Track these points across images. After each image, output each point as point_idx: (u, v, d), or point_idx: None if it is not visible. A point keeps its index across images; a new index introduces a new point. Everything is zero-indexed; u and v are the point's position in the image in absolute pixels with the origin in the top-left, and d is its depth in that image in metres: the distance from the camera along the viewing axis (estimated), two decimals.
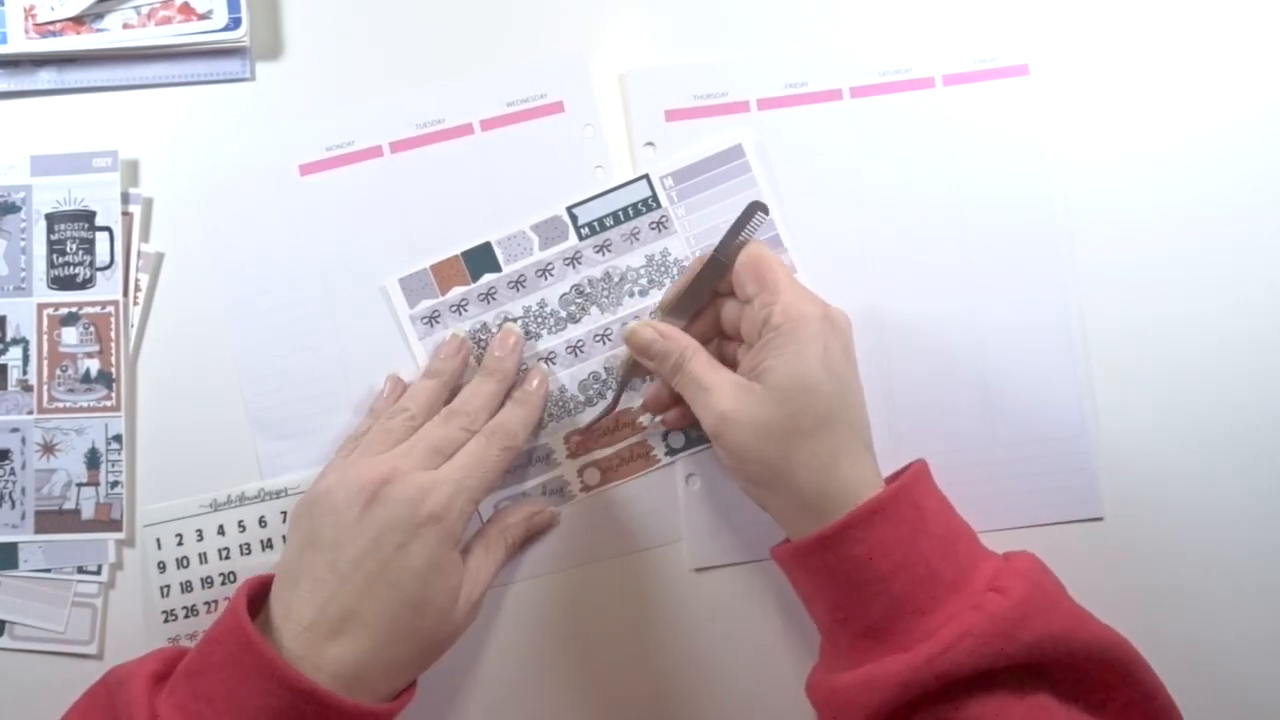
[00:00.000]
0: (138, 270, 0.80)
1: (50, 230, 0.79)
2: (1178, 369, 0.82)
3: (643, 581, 0.81)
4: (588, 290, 0.81)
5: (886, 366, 0.81)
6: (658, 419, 0.81)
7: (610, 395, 0.80)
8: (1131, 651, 0.69)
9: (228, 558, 0.80)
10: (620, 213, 0.81)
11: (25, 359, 0.79)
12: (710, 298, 0.77)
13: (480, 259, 0.81)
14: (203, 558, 0.79)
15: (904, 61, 0.82)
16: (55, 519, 0.79)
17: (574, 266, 0.81)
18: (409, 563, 0.69)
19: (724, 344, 0.79)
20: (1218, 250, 0.82)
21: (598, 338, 0.81)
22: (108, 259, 0.80)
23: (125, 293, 0.80)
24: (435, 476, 0.71)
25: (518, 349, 0.79)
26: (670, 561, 0.81)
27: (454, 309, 0.80)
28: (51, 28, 0.79)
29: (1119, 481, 0.81)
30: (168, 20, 0.79)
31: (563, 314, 0.81)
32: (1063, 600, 0.70)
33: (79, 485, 0.79)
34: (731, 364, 0.75)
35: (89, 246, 0.79)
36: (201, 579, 0.79)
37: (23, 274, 0.80)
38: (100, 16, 0.79)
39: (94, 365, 0.79)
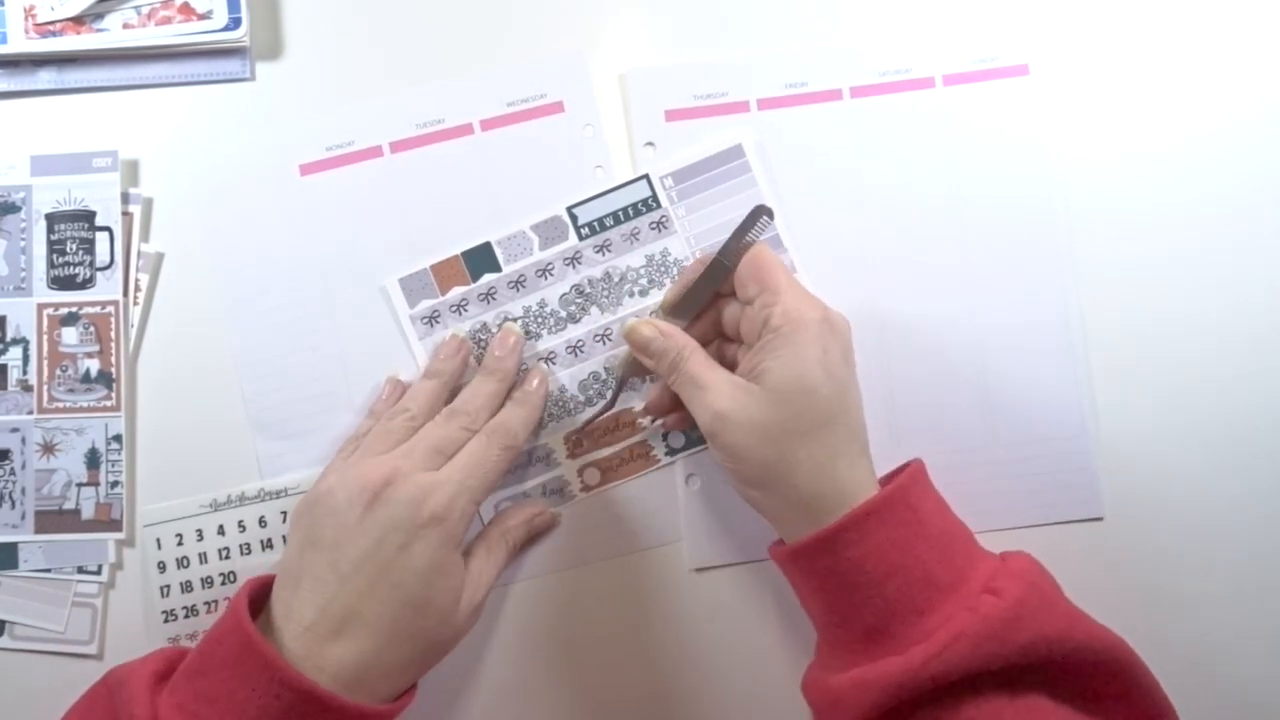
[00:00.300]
0: (138, 270, 0.80)
1: (50, 230, 0.79)
2: (1178, 369, 0.82)
3: (643, 581, 0.81)
4: (588, 290, 0.81)
5: (886, 366, 0.81)
6: (658, 422, 0.81)
7: (609, 394, 0.80)
8: (1127, 652, 0.69)
9: (228, 558, 0.80)
10: (620, 213, 0.81)
11: (25, 359, 0.79)
12: (712, 299, 0.77)
13: (480, 259, 0.81)
14: (203, 558, 0.79)
15: (904, 61, 0.82)
16: (55, 519, 0.79)
17: (574, 266, 0.81)
18: (411, 563, 0.69)
19: (724, 345, 0.79)
20: (1218, 250, 0.82)
21: (598, 338, 0.81)
22: (108, 259, 0.80)
23: (125, 293, 0.80)
24: (436, 477, 0.71)
25: (518, 348, 0.79)
26: (670, 561, 0.81)
27: (454, 309, 0.80)
28: (51, 28, 0.79)
29: (1119, 481, 0.81)
30: (168, 20, 0.79)
31: (563, 314, 0.81)
32: (1059, 601, 0.70)
33: (79, 485, 0.79)
34: (732, 366, 0.75)
35: (89, 246, 0.79)
36: (201, 579, 0.79)
37: (23, 274, 0.80)
38: (100, 16, 0.79)
39: (94, 365, 0.79)
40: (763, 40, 0.83)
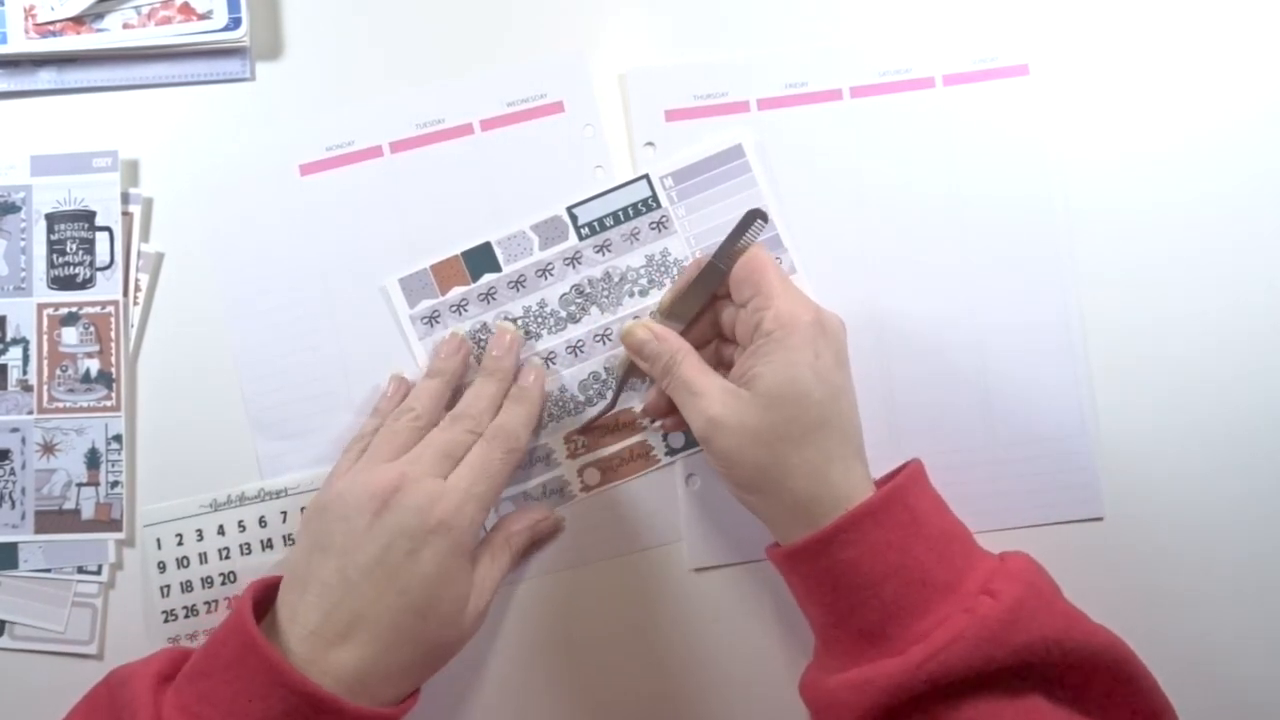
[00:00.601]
0: (138, 270, 0.80)
1: (50, 230, 0.79)
2: (1178, 369, 0.82)
3: (643, 581, 0.81)
4: (588, 290, 0.81)
5: (886, 366, 0.81)
6: (657, 423, 0.81)
7: (610, 394, 0.80)
8: (1126, 651, 0.69)
9: (228, 557, 0.80)
10: (620, 213, 0.81)
11: (25, 359, 0.79)
12: (709, 301, 0.77)
13: (480, 259, 0.81)
14: (203, 558, 0.79)
15: (904, 61, 0.82)
16: (55, 519, 0.79)
17: (574, 266, 0.81)
18: (418, 570, 0.69)
19: (723, 347, 0.79)
20: (1218, 250, 0.82)
21: (598, 338, 0.81)
22: (108, 259, 0.80)
23: (125, 293, 0.80)
24: (444, 485, 0.71)
25: (515, 347, 0.79)
26: (670, 561, 0.81)
27: (454, 309, 0.80)
28: (51, 28, 0.79)
29: (1119, 481, 0.81)
30: (168, 20, 0.79)
31: (563, 314, 0.81)
32: (1056, 601, 0.70)
33: (79, 485, 0.79)
34: (730, 367, 0.75)
35: (89, 246, 0.79)
36: (202, 579, 0.79)
37: (23, 274, 0.80)
38: (100, 16, 0.79)
39: (94, 365, 0.79)
40: (763, 40, 0.83)
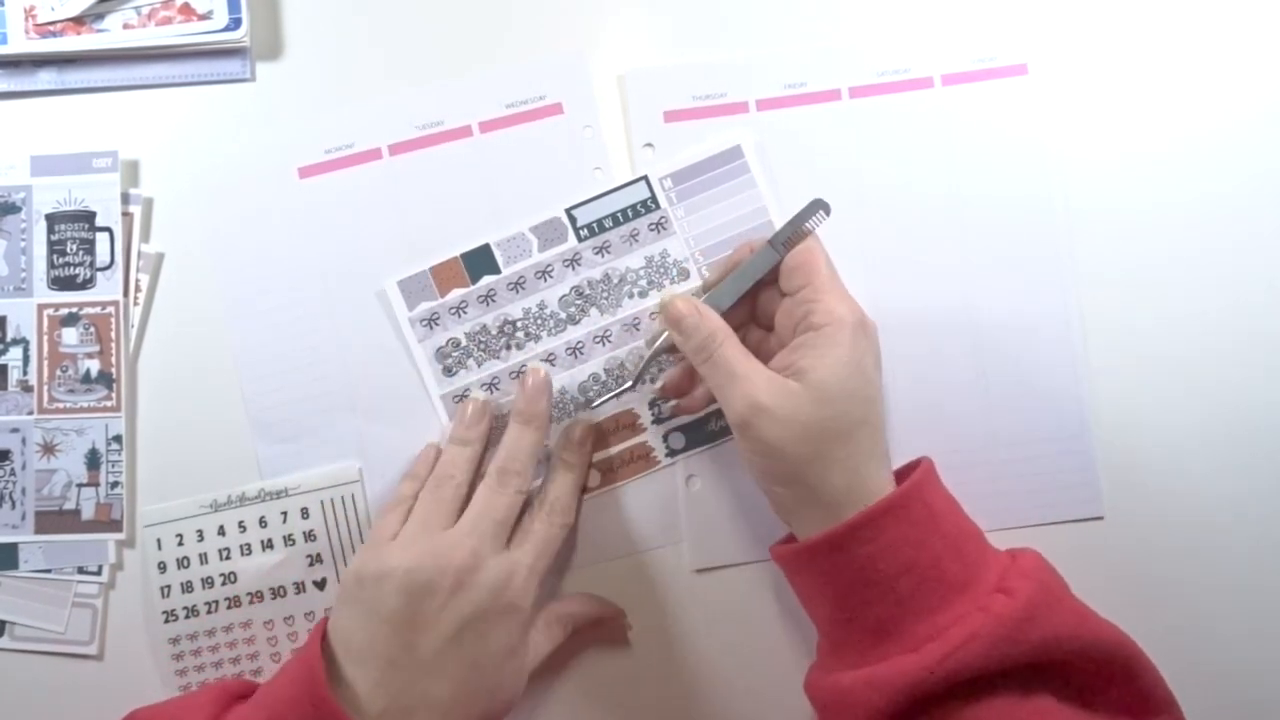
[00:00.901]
0: (138, 270, 0.80)
1: (50, 230, 0.79)
2: (1178, 368, 0.82)
3: (643, 583, 0.81)
4: (587, 292, 0.81)
5: (887, 366, 0.80)
6: (670, 403, 0.81)
7: (636, 372, 0.79)
8: (1133, 648, 0.69)
9: (228, 558, 0.80)
10: (619, 214, 0.81)
11: (25, 359, 0.80)
12: (753, 286, 0.77)
13: (479, 261, 0.81)
14: (203, 558, 0.80)
15: (903, 61, 0.82)
16: (55, 519, 0.79)
17: (573, 268, 0.81)
18: (490, 648, 0.70)
19: (750, 331, 0.79)
20: (1218, 250, 0.82)
21: (597, 339, 0.81)
22: (108, 259, 0.80)
23: (125, 293, 0.80)
24: (512, 561, 0.73)
25: (546, 389, 0.78)
26: (671, 563, 0.81)
27: (453, 311, 0.80)
28: (51, 28, 0.79)
29: (1119, 481, 0.81)
30: (168, 20, 0.79)
31: (562, 315, 0.81)
32: (1066, 598, 0.71)
33: (79, 485, 0.79)
34: (757, 352, 0.75)
35: (89, 247, 0.79)
36: (202, 579, 0.79)
37: (23, 274, 0.80)
38: (100, 17, 0.79)
39: (94, 365, 0.80)
40: (761, 40, 0.82)
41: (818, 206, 0.76)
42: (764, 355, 0.74)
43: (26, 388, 0.80)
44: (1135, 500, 0.82)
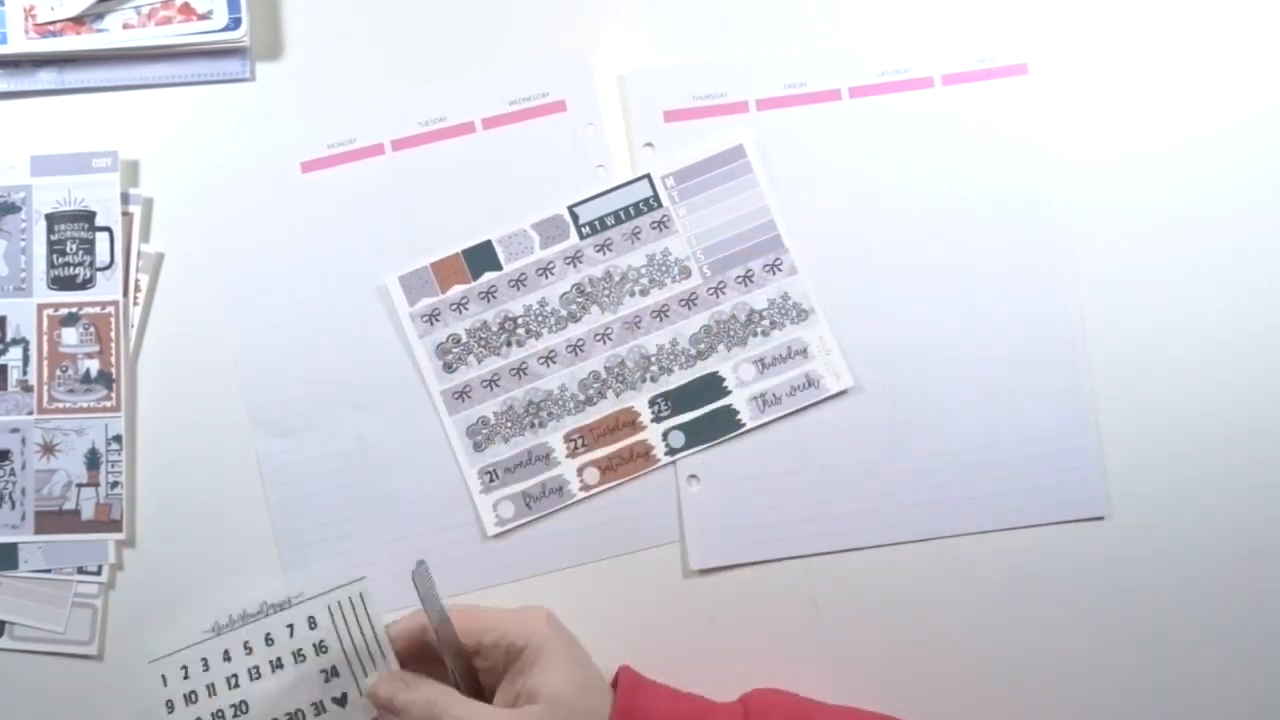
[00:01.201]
0: (138, 270, 0.80)
1: (50, 230, 0.79)
2: (1178, 368, 0.82)
3: (643, 582, 0.81)
4: (588, 289, 0.81)
5: (886, 366, 0.81)
6: None
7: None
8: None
9: (237, 685, 0.77)
10: (621, 212, 0.81)
11: (25, 359, 0.79)
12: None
13: (481, 257, 0.81)
14: (211, 689, 0.77)
15: (903, 61, 0.82)
16: (55, 519, 0.79)
17: (575, 265, 0.81)
18: None
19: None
20: (1218, 249, 0.82)
21: (598, 337, 0.81)
22: (108, 259, 0.80)
23: (125, 293, 0.80)
24: None
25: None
26: (670, 562, 0.81)
27: (454, 307, 0.80)
28: (51, 28, 0.79)
29: (1120, 481, 0.81)
30: (168, 20, 0.79)
31: (563, 313, 0.81)
32: (809, 712, 0.75)
33: (79, 485, 0.79)
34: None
35: (89, 246, 0.79)
36: (213, 713, 0.77)
37: (23, 274, 0.80)
38: (100, 16, 0.79)
39: (94, 365, 0.79)
40: (762, 40, 0.83)
41: (420, 570, 0.72)
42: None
43: (26, 388, 0.79)
44: (1136, 500, 0.81)
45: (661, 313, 0.81)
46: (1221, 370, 0.82)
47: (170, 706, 0.77)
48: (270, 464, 0.80)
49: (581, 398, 0.81)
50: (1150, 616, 0.81)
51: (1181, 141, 0.83)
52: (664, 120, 0.82)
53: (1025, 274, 0.82)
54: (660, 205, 0.81)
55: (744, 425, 0.81)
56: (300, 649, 0.77)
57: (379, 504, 0.81)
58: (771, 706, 0.73)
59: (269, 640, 0.77)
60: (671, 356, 0.81)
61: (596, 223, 0.81)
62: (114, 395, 0.79)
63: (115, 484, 0.79)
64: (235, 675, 0.77)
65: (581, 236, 0.81)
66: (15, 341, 0.79)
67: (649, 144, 0.82)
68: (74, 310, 0.79)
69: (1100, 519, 0.81)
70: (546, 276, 0.81)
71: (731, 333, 0.81)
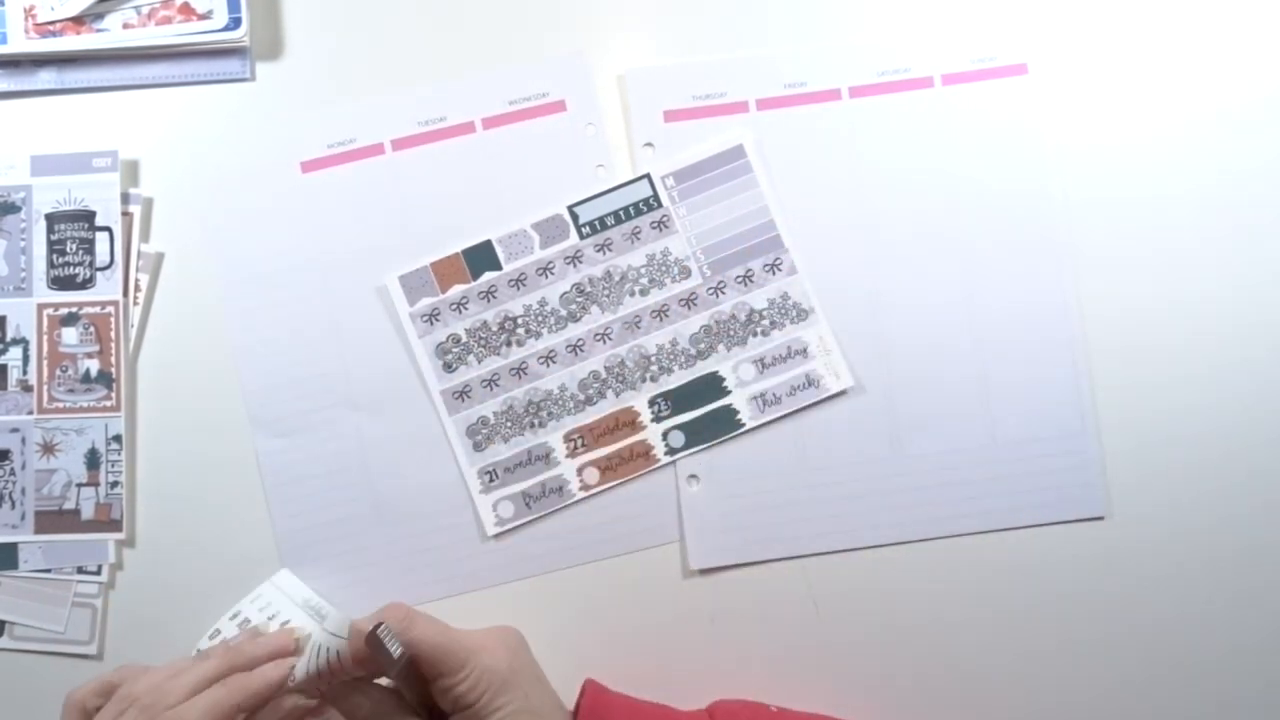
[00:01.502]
0: (138, 270, 0.80)
1: (50, 230, 0.79)
2: (1179, 368, 0.82)
3: (643, 582, 0.81)
4: (588, 289, 0.81)
5: (886, 366, 0.81)
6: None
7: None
8: None
9: None
10: (621, 212, 0.81)
11: (25, 359, 0.79)
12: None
13: (481, 257, 0.81)
14: None
15: (903, 61, 0.82)
16: (55, 519, 0.79)
17: (575, 265, 0.81)
18: None
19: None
20: (1218, 247, 0.82)
21: (598, 336, 0.81)
22: (108, 259, 0.80)
23: (125, 293, 0.80)
24: None
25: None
26: (670, 561, 0.81)
27: (454, 307, 0.80)
28: (51, 28, 0.79)
29: (1120, 481, 0.81)
30: (168, 20, 0.79)
31: (563, 312, 0.81)
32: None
33: (79, 485, 0.79)
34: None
35: (89, 246, 0.79)
36: None
37: (23, 274, 0.80)
38: (100, 16, 0.79)
39: (94, 365, 0.79)
40: (762, 40, 0.83)
41: (378, 628, 0.68)
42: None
43: (26, 387, 0.79)
44: (1137, 500, 0.81)
45: (661, 313, 0.81)
46: (1222, 371, 0.82)
47: None
48: (270, 464, 0.80)
49: (581, 398, 0.81)
50: (1150, 616, 0.81)
51: (1180, 139, 0.83)
52: (664, 120, 0.82)
53: (1025, 274, 0.82)
54: (660, 205, 0.81)
55: (744, 425, 0.81)
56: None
57: (379, 504, 0.81)
58: (736, 713, 0.73)
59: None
60: (671, 356, 0.81)
61: (596, 222, 0.81)
62: (114, 395, 0.79)
63: (115, 484, 0.79)
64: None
65: (581, 236, 0.81)
66: (15, 341, 0.80)
67: (649, 144, 0.82)
68: (74, 310, 0.79)
69: (1100, 519, 0.81)
70: (546, 276, 0.81)
71: (731, 333, 0.81)
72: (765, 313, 0.81)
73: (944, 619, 0.81)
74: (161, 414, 0.81)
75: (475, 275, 0.81)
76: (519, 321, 0.81)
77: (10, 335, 0.79)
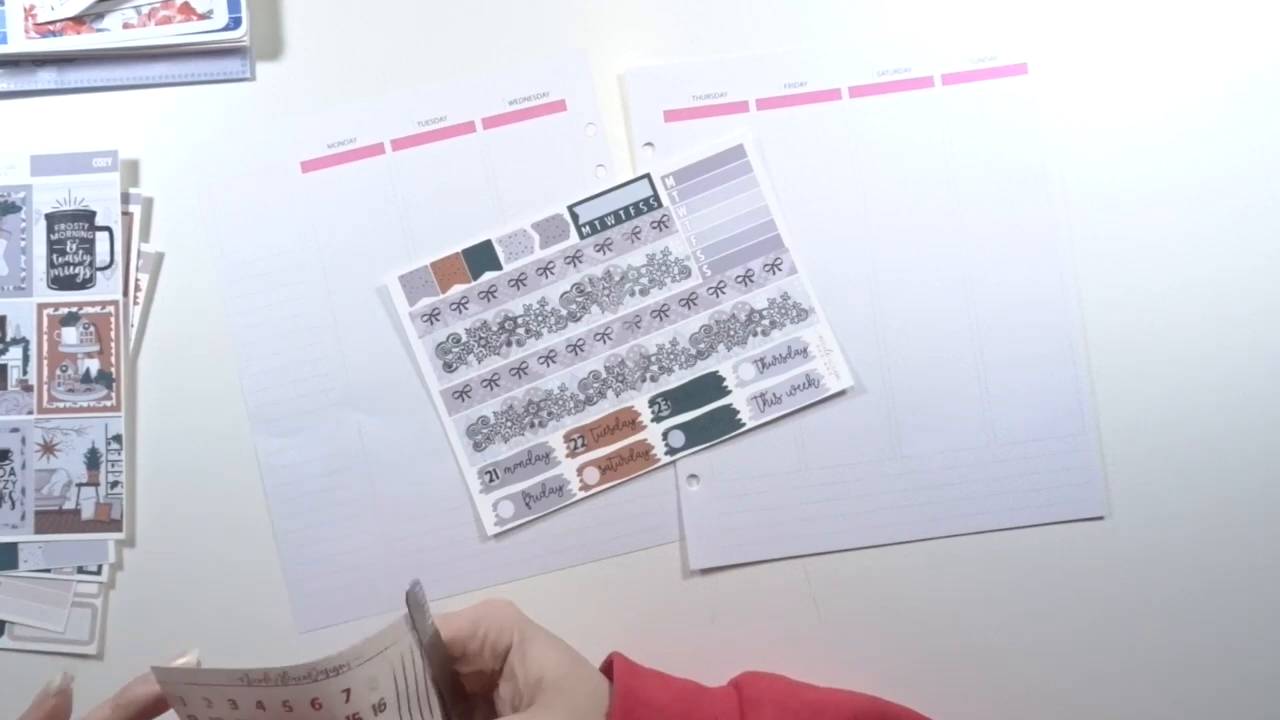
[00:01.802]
0: (138, 270, 0.80)
1: (50, 230, 0.79)
2: (1180, 366, 0.82)
3: (642, 582, 0.81)
4: (588, 289, 0.81)
5: (886, 365, 0.81)
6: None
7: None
8: (880, 705, 0.73)
9: None
10: (621, 211, 0.81)
11: (25, 359, 0.79)
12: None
13: (481, 257, 0.81)
14: None
15: (903, 61, 0.82)
16: (55, 519, 0.79)
17: (575, 265, 0.81)
18: None
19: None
20: (1219, 248, 0.82)
21: (598, 336, 0.81)
22: (108, 259, 0.80)
23: (125, 293, 0.80)
24: None
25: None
26: (670, 562, 0.81)
27: (454, 307, 0.80)
28: (51, 28, 0.79)
29: (1120, 481, 0.81)
30: (168, 20, 0.79)
31: (563, 312, 0.81)
32: (797, 693, 0.73)
33: (79, 485, 0.79)
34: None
35: (89, 246, 0.79)
36: None
37: (23, 274, 0.80)
38: (100, 16, 0.79)
39: (94, 365, 0.79)
40: (762, 40, 0.83)
41: (419, 591, 0.64)
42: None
43: (26, 387, 0.79)
44: (1137, 500, 0.81)
45: (661, 312, 0.81)
46: (1223, 372, 0.82)
47: None
48: (270, 464, 0.80)
49: (581, 397, 0.81)
50: (1150, 616, 0.81)
51: (1181, 139, 0.83)
52: (664, 120, 0.82)
53: (1025, 274, 0.82)
54: (660, 205, 0.81)
55: (744, 425, 0.81)
56: (356, 712, 0.61)
57: (379, 504, 0.81)
58: (762, 687, 0.72)
59: (315, 705, 0.60)
60: (671, 356, 0.81)
61: (596, 222, 0.81)
62: (114, 395, 0.79)
63: (115, 484, 0.79)
64: None
65: (581, 236, 0.81)
66: (15, 341, 0.80)
67: (649, 144, 0.82)
68: (74, 310, 0.79)
69: (1100, 519, 0.81)
70: (546, 276, 0.81)
71: (731, 332, 0.81)
72: (765, 312, 0.81)
73: (944, 619, 0.81)
74: (161, 414, 0.81)
75: (475, 275, 0.81)
76: (519, 321, 0.81)
77: (10, 335, 0.79)
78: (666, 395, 0.81)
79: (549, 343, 0.81)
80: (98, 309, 0.80)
